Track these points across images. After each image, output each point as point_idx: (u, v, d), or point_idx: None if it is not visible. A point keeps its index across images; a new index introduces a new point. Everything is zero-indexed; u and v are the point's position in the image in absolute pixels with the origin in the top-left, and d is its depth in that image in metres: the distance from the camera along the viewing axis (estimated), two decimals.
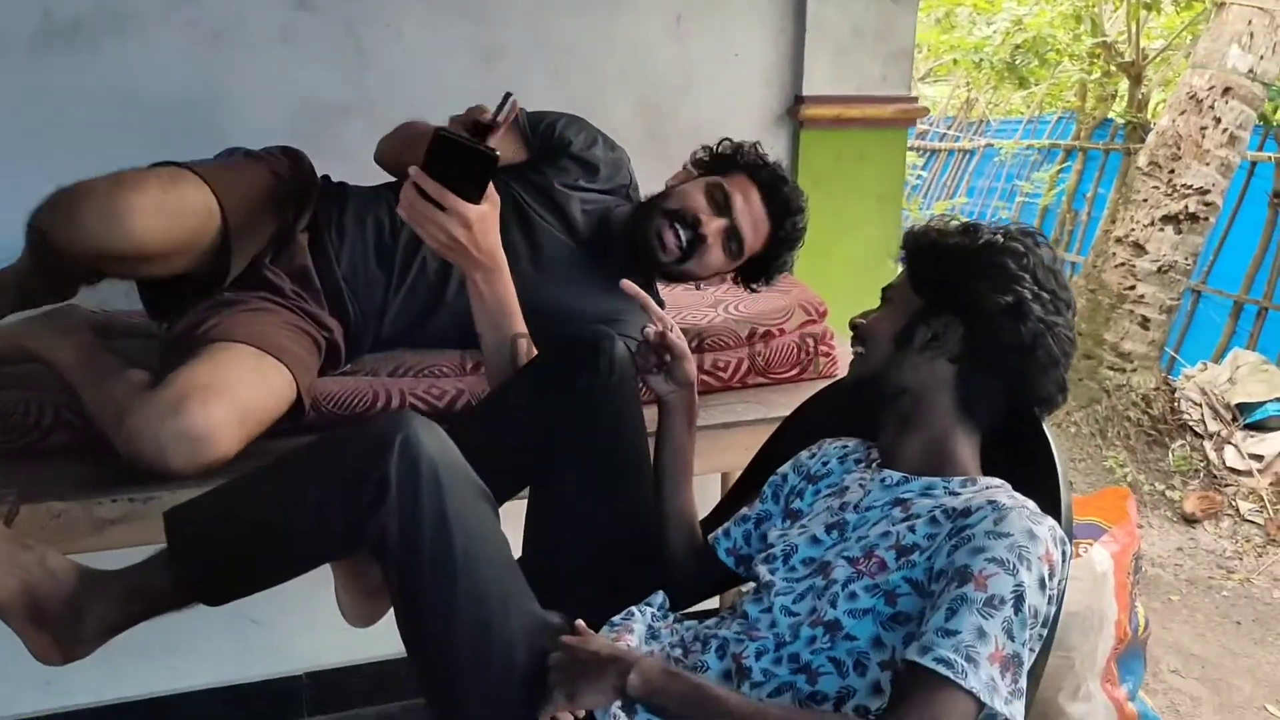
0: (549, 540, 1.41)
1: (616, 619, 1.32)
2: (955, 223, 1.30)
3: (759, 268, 1.87)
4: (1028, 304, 1.20)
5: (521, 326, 1.56)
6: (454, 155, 1.37)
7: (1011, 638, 1.00)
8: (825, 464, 1.39)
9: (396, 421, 1.16)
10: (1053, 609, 1.08)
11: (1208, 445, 4.43)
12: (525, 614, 1.19)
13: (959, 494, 1.19)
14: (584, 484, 1.40)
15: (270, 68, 2.03)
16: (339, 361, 1.72)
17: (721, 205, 1.77)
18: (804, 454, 1.44)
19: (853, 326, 1.37)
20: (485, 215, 1.44)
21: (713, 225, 1.75)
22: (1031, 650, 1.05)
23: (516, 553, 1.29)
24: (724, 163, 1.85)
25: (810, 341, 1.97)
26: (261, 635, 2.27)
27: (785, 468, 1.44)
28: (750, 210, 1.78)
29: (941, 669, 0.97)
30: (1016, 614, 1.01)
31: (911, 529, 1.16)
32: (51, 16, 1.89)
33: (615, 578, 1.42)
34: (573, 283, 1.79)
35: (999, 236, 1.24)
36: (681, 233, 1.75)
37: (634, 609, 1.34)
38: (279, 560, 1.21)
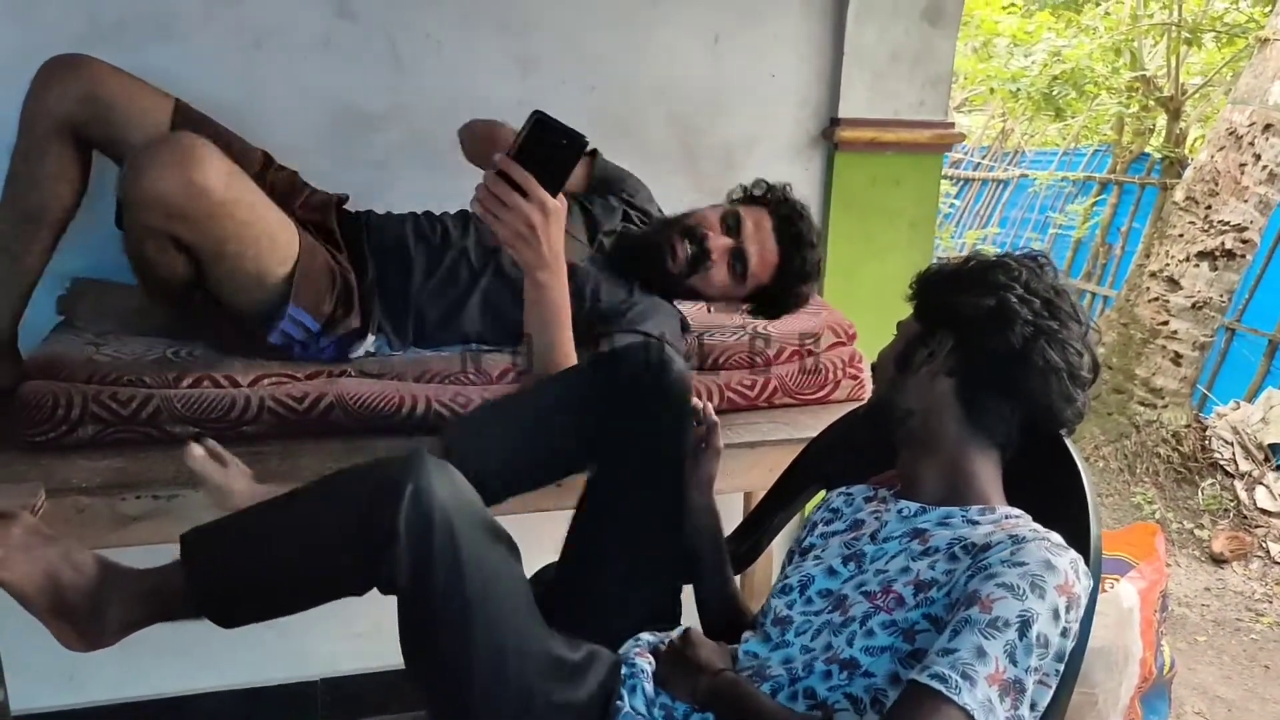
0: (588, 555, 1.40)
1: (629, 642, 1.30)
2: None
3: (770, 301, 1.93)
4: (1012, 308, 1.19)
5: (570, 333, 1.57)
6: (547, 140, 1.37)
7: (1014, 662, 0.98)
8: (832, 509, 1.39)
9: (407, 467, 1.12)
10: (1069, 643, 1.05)
11: (1238, 485, 4.37)
12: (542, 657, 1.17)
13: (978, 523, 1.18)
14: (624, 486, 1.38)
15: (310, 74, 2.04)
16: (352, 308, 1.74)
17: (731, 228, 1.86)
18: (810, 511, 1.45)
19: (872, 367, 1.39)
20: (560, 211, 1.43)
21: (718, 243, 1.84)
22: (1040, 682, 1.03)
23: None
24: (750, 199, 1.95)
25: (838, 364, 1.96)
26: (279, 640, 2.27)
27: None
28: (759, 236, 1.86)
29: (935, 684, 0.96)
30: (1021, 639, 0.99)
31: (931, 565, 1.14)
32: (96, 19, 1.91)
33: (654, 603, 1.41)
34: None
35: (993, 256, 1.26)
36: (689, 247, 1.83)
37: (644, 635, 1.31)
38: (293, 594, 1.20)
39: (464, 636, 1.10)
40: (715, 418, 1.52)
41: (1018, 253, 1.27)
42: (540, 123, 1.35)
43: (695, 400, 1.47)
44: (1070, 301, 1.23)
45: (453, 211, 1.92)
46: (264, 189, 1.69)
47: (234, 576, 1.19)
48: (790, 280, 1.90)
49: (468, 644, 1.11)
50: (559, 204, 1.42)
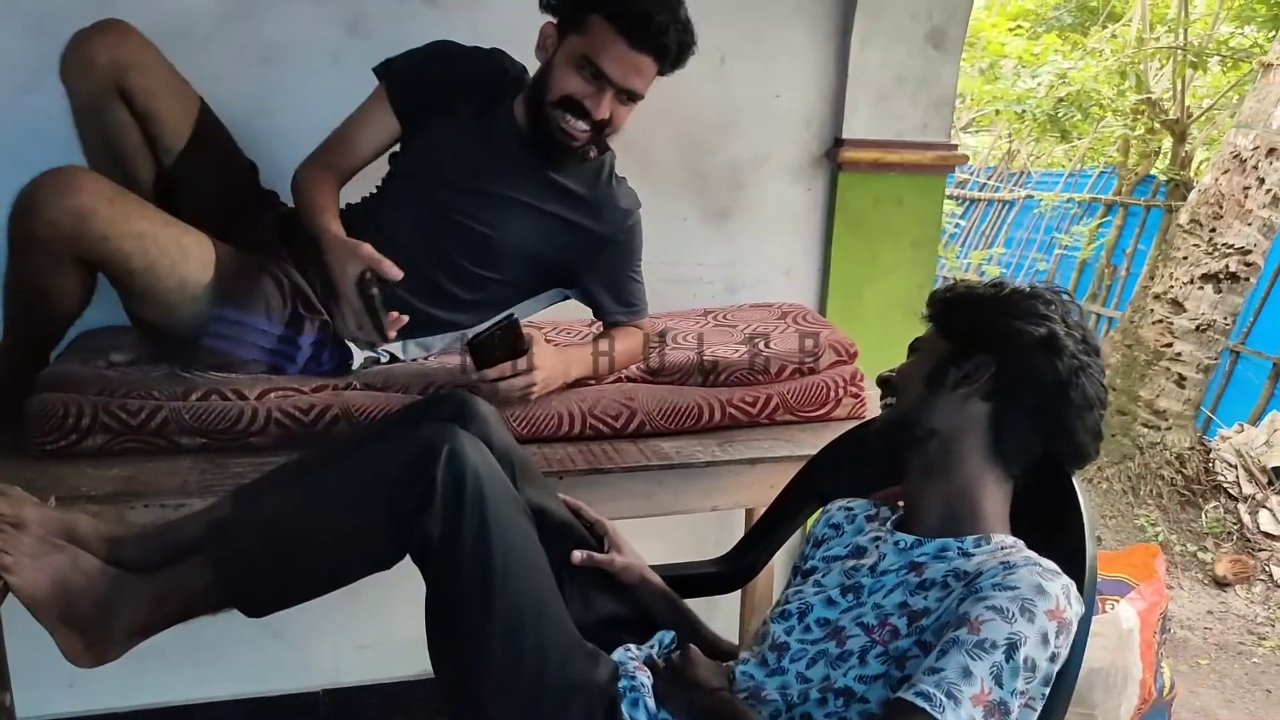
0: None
1: (619, 651, 1.30)
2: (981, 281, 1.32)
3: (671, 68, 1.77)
4: (1061, 338, 1.20)
5: (627, 349, 1.89)
6: (488, 344, 1.65)
7: (1000, 684, 1.00)
8: (832, 524, 1.40)
9: (443, 432, 1.18)
10: (1056, 667, 1.07)
11: (1242, 508, 4.37)
12: (559, 629, 1.20)
13: (972, 555, 1.18)
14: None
15: (319, 92, 2.05)
16: (311, 305, 1.76)
17: (596, 75, 1.70)
18: (812, 525, 1.45)
19: (882, 381, 1.37)
20: (541, 351, 1.66)
21: (600, 106, 1.72)
22: (1026, 706, 1.04)
23: None
24: (567, 13, 1.74)
25: (839, 381, 1.97)
26: (283, 650, 2.28)
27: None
28: (624, 63, 1.69)
29: (919, 701, 0.98)
30: (1008, 661, 1.00)
31: (925, 597, 1.16)
32: None
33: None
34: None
35: (1026, 286, 1.27)
36: (578, 122, 1.74)
37: (632, 646, 1.32)
38: (324, 568, 1.22)
39: (486, 601, 1.13)
40: (594, 515, 1.50)
41: (1040, 283, 1.29)
42: (475, 344, 1.65)
43: (573, 502, 1.50)
44: (1095, 337, 1.25)
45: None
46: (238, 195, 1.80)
47: (264, 558, 1.21)
48: (682, 58, 1.74)
49: (489, 609, 1.13)
50: (534, 351, 1.65)
